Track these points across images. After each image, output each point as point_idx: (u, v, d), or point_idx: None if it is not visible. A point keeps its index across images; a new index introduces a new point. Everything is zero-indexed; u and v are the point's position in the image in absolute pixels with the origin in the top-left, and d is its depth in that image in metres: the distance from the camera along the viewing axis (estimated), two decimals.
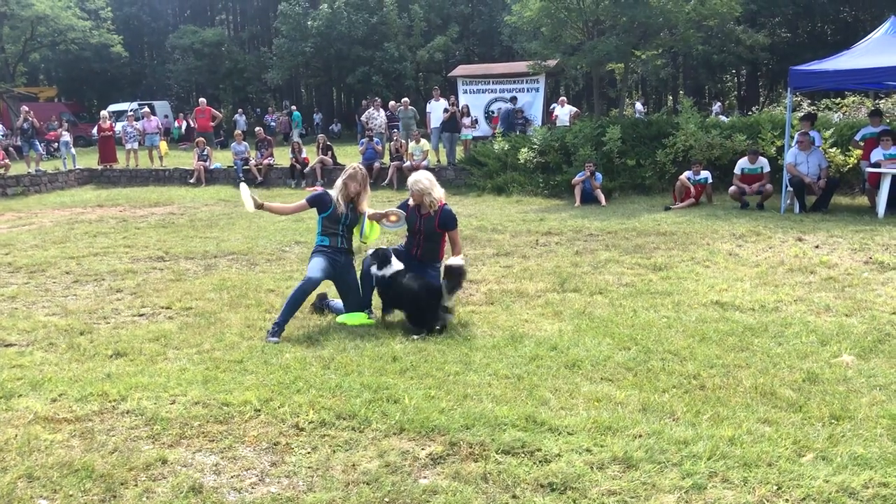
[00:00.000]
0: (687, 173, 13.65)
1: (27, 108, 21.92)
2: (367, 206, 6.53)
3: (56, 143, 24.61)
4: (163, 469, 3.64)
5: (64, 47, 39.85)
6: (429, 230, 6.43)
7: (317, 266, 6.24)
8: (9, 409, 4.41)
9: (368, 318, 6.35)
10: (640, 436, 3.81)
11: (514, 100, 21.13)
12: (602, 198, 14.34)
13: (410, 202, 6.50)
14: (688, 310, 6.37)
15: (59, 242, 11.04)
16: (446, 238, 6.55)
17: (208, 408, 4.34)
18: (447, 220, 6.44)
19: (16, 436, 4.00)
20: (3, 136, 26.64)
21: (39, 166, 20.77)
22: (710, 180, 13.68)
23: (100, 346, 5.72)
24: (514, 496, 3.31)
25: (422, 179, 6.42)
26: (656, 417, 4.09)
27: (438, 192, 6.45)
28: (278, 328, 5.89)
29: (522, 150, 16.82)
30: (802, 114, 15.05)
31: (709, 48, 29.75)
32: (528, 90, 22.88)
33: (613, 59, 20.54)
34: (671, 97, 47.40)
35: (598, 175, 14.75)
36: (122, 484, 3.47)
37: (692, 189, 13.39)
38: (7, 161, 20.29)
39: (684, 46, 20.80)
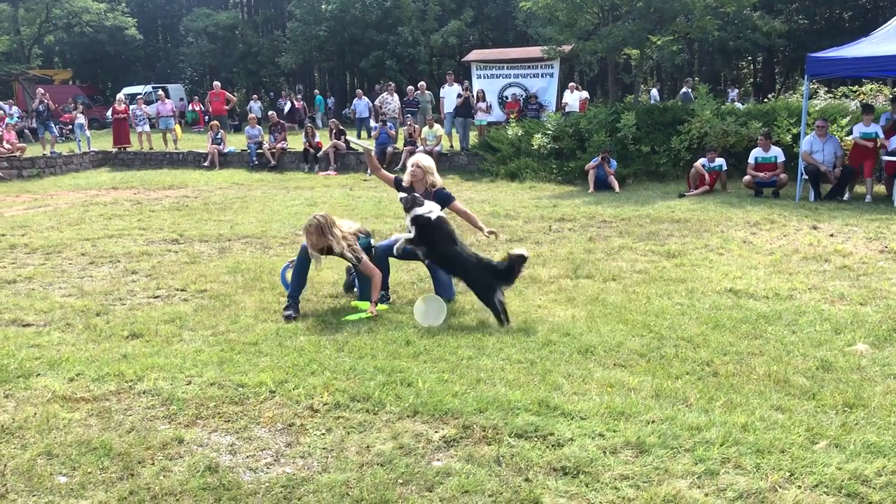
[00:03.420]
0: (702, 160, 13.57)
1: (42, 91, 22.00)
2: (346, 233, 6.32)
3: (71, 126, 24.71)
4: (179, 448, 3.68)
5: (79, 30, 39.98)
6: None
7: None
8: (28, 388, 4.47)
9: (382, 304, 6.26)
10: (653, 421, 3.82)
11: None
12: (616, 184, 14.29)
13: (406, 180, 6.50)
14: (701, 297, 6.36)
15: (74, 224, 11.11)
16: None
17: (224, 389, 4.39)
18: (444, 197, 6.47)
19: (35, 414, 4.06)
20: (18, 118, 26.75)
21: (55, 148, 20.87)
22: (724, 168, 13.61)
23: (116, 326, 5.77)
24: (526, 479, 3.33)
25: (422, 159, 6.50)
26: (669, 403, 4.10)
27: (437, 177, 6.52)
28: (292, 300, 6.02)
29: (536, 135, 16.76)
30: (861, 104, 14.95)
31: (725, 34, 29.43)
32: (542, 75, 22.79)
33: (629, 45, 20.39)
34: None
35: (612, 161, 14.69)
36: (139, 462, 3.52)
37: (707, 176, 13.32)
38: (22, 143, 20.39)
39: (700, 33, 20.59)
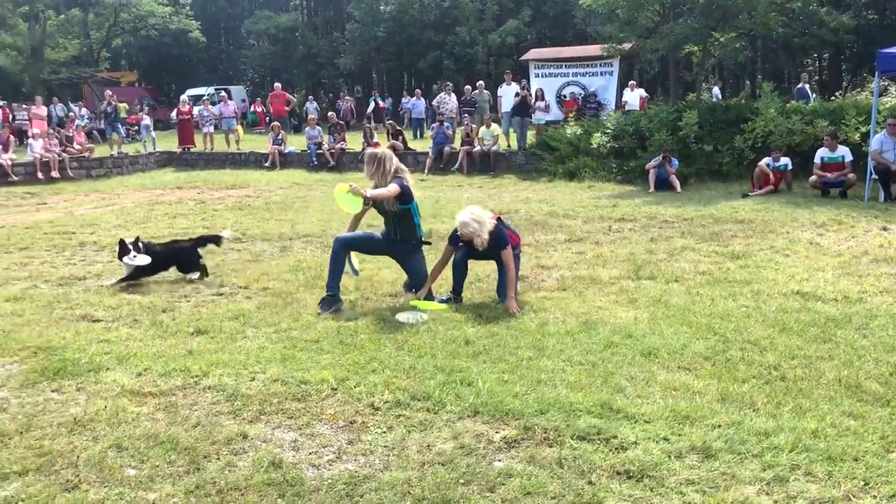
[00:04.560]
0: (766, 159, 13.25)
1: (111, 93, 22.66)
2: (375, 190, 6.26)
3: (137, 127, 25.39)
4: (244, 444, 3.74)
5: (145, 33, 41.08)
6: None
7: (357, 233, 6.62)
8: (98, 382, 4.59)
9: (441, 304, 6.30)
10: (719, 426, 3.74)
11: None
12: (677, 184, 14.05)
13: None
14: (767, 299, 6.21)
15: (140, 223, 11.41)
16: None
17: (287, 385, 4.44)
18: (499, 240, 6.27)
19: (105, 407, 4.17)
20: (88, 119, 27.57)
21: (121, 149, 21.46)
22: (790, 167, 13.26)
23: (181, 323, 5.90)
24: (589, 482, 3.29)
25: (469, 222, 6.10)
26: (735, 408, 4.00)
27: (487, 230, 6.15)
28: (331, 292, 6.18)
29: (595, 134, 16.60)
30: None
31: (790, 31, 28.70)
32: (601, 74, 22.56)
33: (691, 42, 20.06)
34: (748, 81, 46.02)
35: (674, 160, 14.45)
36: (205, 457, 3.59)
37: (771, 176, 13.00)
38: (91, 144, 21.03)
39: (764, 29, 20.12)
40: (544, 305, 6.22)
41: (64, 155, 19.25)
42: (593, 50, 23.28)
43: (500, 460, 3.52)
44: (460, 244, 6.31)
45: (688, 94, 29.09)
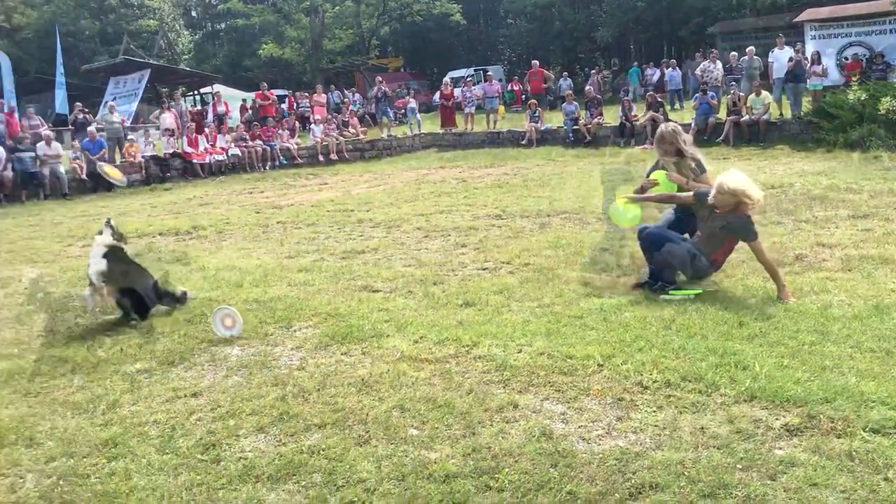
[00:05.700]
0: None
1: (380, 79, 24.21)
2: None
3: (403, 110, 26.91)
4: (514, 413, 3.87)
5: (410, 19, 43.20)
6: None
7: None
8: (380, 348, 4.97)
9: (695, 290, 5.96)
10: None
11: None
12: None
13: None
14: None
15: (409, 201, 12.12)
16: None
17: (553, 359, 4.52)
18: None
19: (387, 371, 4.51)
20: (360, 105, 29.67)
21: (391, 131, 22.88)
22: None
23: (451, 295, 6.20)
24: (886, 478, 3.02)
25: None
26: None
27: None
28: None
29: (884, 98, 14.91)
30: None
31: None
32: (890, 31, 20.19)
33: None
34: None
35: None
36: (479, 423, 3.76)
37: None
38: (364, 127, 22.67)
39: None
40: (826, 287, 5.74)
41: (341, 139, 20.95)
42: (881, 5, 20.84)
43: (780, 448, 3.33)
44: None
45: None
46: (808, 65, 18.10)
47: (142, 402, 4.32)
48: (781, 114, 18.21)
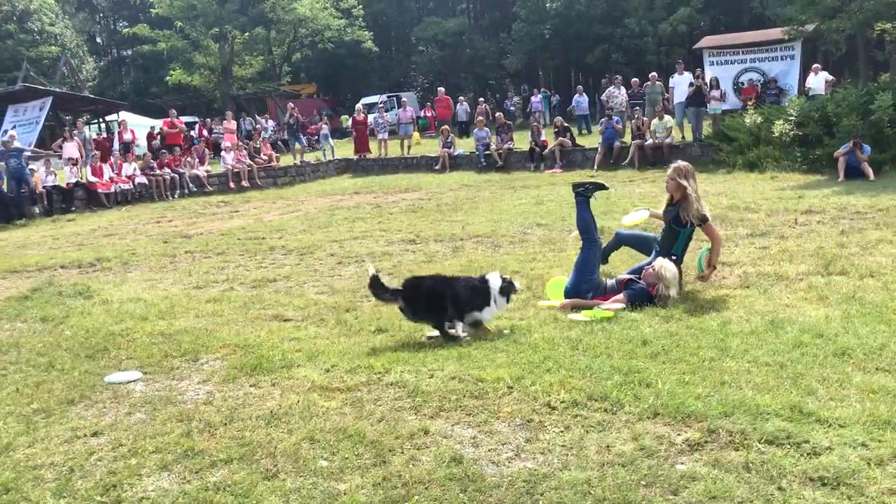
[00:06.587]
0: None
1: (292, 105, 24.05)
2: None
3: (317, 136, 26.78)
4: (425, 439, 3.86)
5: (322, 46, 43.11)
6: None
7: None
8: (290, 378, 4.89)
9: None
10: None
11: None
12: (870, 172, 13.04)
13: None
14: None
15: (322, 227, 12.04)
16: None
17: (464, 383, 4.53)
18: None
19: (297, 402, 4.44)
20: (272, 131, 29.39)
21: (304, 157, 22.71)
22: None
23: (364, 322, 6.17)
24: (779, 488, 3.13)
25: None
26: None
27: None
28: None
29: (777, 122, 15.70)
30: None
31: None
32: (781, 58, 21.26)
33: (883, 19, 18.48)
34: None
35: (866, 147, 13.41)
36: (390, 450, 3.73)
37: None
38: (277, 154, 22.43)
39: None
40: (727, 304, 5.97)
41: (253, 165, 20.66)
42: (773, 34, 21.98)
43: (682, 463, 3.42)
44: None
45: (880, 75, 26.79)
46: (708, 89, 18.88)
47: (38, 444, 4.12)
48: (683, 137, 18.92)
